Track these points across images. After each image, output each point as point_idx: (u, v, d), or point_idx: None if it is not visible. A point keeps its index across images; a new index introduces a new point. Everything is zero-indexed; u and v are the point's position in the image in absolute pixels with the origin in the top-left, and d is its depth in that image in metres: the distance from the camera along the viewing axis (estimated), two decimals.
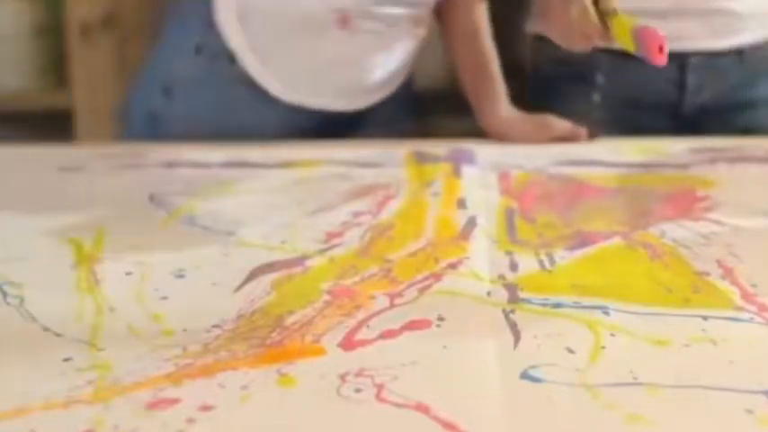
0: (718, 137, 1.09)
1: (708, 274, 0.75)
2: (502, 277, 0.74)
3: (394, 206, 0.87)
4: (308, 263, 0.77)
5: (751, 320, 0.68)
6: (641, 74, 1.10)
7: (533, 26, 1.19)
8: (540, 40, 1.15)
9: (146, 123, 1.15)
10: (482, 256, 0.77)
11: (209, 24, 1.09)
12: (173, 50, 1.14)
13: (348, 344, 0.64)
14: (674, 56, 1.06)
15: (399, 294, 0.71)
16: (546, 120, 1.10)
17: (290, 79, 1.10)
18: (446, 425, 0.56)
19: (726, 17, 1.12)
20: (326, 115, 1.13)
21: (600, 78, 1.15)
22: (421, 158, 0.97)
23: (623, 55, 1.04)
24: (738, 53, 1.14)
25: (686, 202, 0.88)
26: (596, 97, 1.15)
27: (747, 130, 1.14)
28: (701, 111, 1.15)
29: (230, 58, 1.10)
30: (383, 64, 1.13)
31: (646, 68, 1.07)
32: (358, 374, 0.61)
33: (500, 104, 1.13)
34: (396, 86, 1.16)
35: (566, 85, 1.17)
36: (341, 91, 1.13)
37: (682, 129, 1.14)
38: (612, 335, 0.65)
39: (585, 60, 1.10)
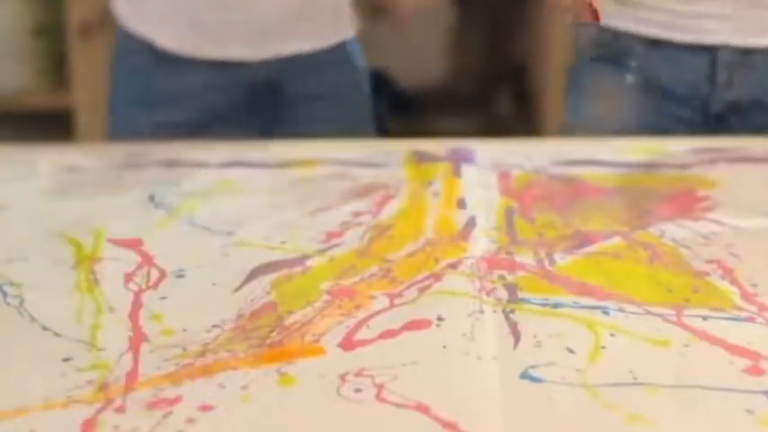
0: (743, 136, 1.08)
1: (708, 274, 0.75)
2: (502, 277, 0.74)
3: (394, 206, 0.87)
4: (308, 263, 0.77)
5: (751, 320, 0.68)
6: (673, 64, 1.12)
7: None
8: (580, 24, 1.17)
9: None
10: (482, 256, 0.77)
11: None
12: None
13: (348, 344, 0.64)
14: (705, 50, 1.07)
15: (399, 294, 0.71)
16: None
17: (172, 27, 1.10)
18: (446, 425, 0.56)
19: (760, 14, 1.11)
20: (241, 79, 1.11)
21: (633, 62, 1.15)
22: (420, 158, 0.97)
23: (656, 43, 1.06)
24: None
25: (686, 202, 0.88)
26: (629, 78, 1.15)
27: None
28: (730, 108, 1.14)
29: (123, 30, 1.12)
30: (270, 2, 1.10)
31: (678, 59, 1.09)
32: (358, 374, 0.61)
33: None
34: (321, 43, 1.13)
35: (600, 64, 1.17)
36: (234, 33, 1.10)
37: (710, 124, 1.13)
38: (612, 335, 0.65)
39: (620, 43, 1.13)
